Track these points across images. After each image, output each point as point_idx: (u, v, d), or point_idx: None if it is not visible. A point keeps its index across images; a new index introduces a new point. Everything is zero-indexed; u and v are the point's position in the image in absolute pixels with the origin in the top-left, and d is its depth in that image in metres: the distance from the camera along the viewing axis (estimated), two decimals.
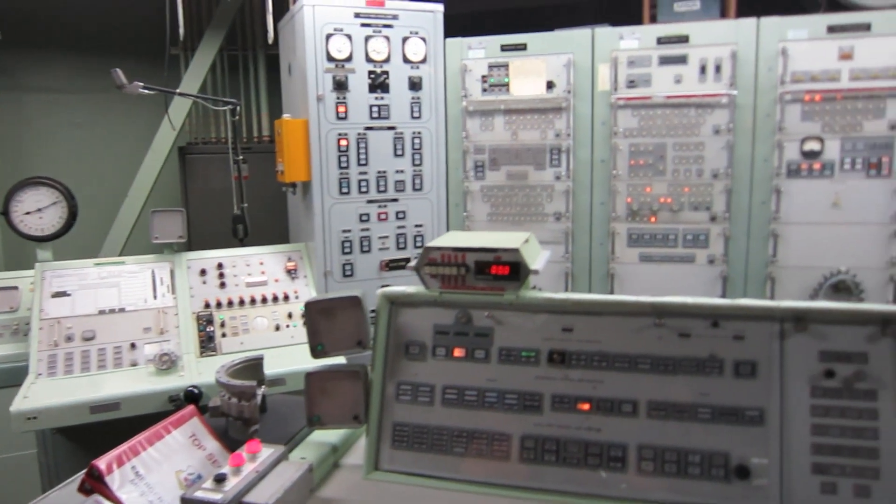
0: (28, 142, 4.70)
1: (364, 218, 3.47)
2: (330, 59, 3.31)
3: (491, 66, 3.58)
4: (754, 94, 3.28)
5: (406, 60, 3.47)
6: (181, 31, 3.70)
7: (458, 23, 3.72)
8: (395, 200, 3.53)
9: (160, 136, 4.38)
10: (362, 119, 3.41)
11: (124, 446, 1.36)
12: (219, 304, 3.08)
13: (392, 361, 1.57)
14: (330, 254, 3.41)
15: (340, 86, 3.33)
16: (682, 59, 3.35)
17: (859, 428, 1.28)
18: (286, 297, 3.19)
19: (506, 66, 3.56)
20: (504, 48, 3.56)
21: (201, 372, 2.76)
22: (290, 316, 3.13)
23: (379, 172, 3.48)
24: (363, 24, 3.36)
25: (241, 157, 3.62)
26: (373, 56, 3.39)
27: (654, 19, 3.58)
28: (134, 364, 2.79)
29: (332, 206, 3.40)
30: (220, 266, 3.21)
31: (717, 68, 3.30)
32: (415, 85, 3.50)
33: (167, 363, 2.74)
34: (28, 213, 3.09)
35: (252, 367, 1.84)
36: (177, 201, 4.64)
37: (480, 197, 3.68)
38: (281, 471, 1.39)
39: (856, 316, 1.32)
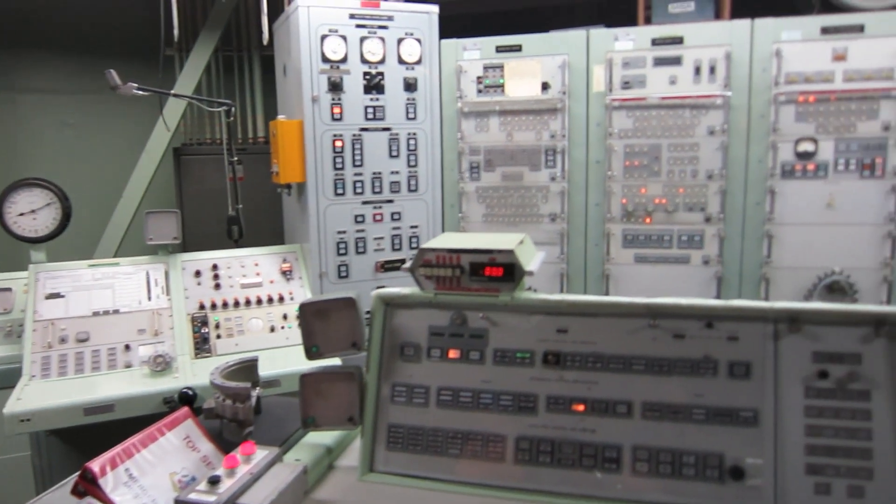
0: (22, 143, 4.68)
1: (359, 219, 3.47)
2: (325, 60, 3.30)
3: (486, 68, 3.58)
4: (748, 96, 3.29)
5: (401, 61, 3.47)
6: (176, 31, 3.69)
7: (453, 24, 3.72)
8: (390, 201, 3.53)
9: (155, 137, 4.37)
10: (357, 120, 3.41)
11: (118, 448, 1.35)
12: (213, 306, 3.07)
13: (387, 363, 1.57)
14: (325, 255, 3.41)
15: (335, 87, 3.33)
16: (676, 61, 3.36)
17: (853, 429, 1.28)
18: (281, 299, 3.19)
19: (501, 67, 3.56)
20: (499, 49, 3.56)
21: (196, 373, 2.76)
22: (285, 317, 3.12)
23: (374, 173, 3.47)
24: (358, 26, 3.36)
25: (235, 159, 3.61)
26: (368, 57, 3.39)
27: (648, 20, 3.58)
28: (128, 366, 2.78)
29: (328, 207, 3.39)
30: (214, 267, 3.20)
31: (712, 69, 3.31)
32: (410, 86, 3.50)
33: (161, 365, 2.73)
34: (22, 215, 3.08)
35: (246, 369, 1.84)
36: (171, 202, 4.63)
37: (476, 198, 3.69)
38: (275, 473, 1.39)
39: (849, 317, 1.32)
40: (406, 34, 3.46)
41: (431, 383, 1.53)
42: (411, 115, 3.53)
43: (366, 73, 3.39)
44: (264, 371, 2.08)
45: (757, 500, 1.29)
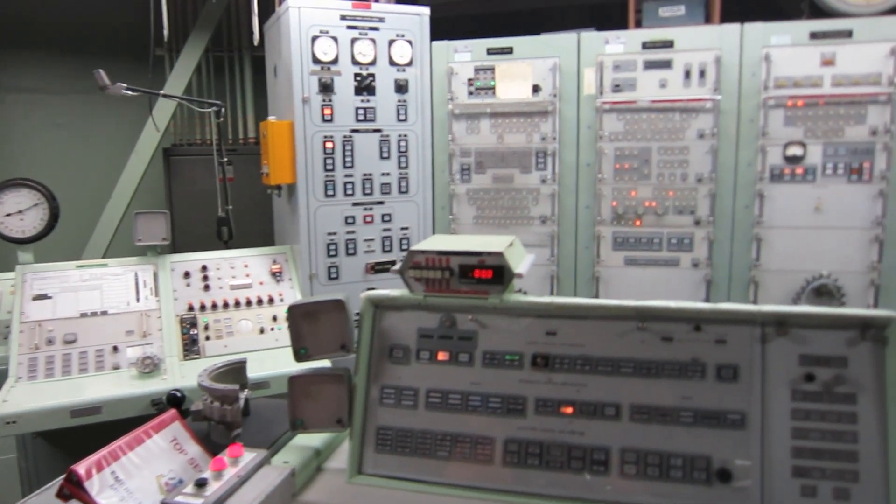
0: (9, 143, 4.65)
1: (349, 220, 3.46)
2: (316, 61, 3.30)
3: (477, 70, 3.59)
4: (738, 99, 3.31)
5: (392, 63, 3.46)
6: (165, 32, 3.68)
7: (445, 26, 3.72)
8: (380, 203, 3.53)
9: (144, 137, 4.34)
10: (348, 121, 3.40)
11: (104, 451, 1.34)
12: (203, 307, 3.06)
13: (376, 365, 1.56)
14: (315, 256, 3.40)
15: (326, 88, 3.32)
16: (666, 64, 3.37)
17: (839, 431, 1.29)
18: (271, 300, 3.18)
19: (492, 69, 3.57)
20: (490, 52, 3.57)
21: (185, 375, 2.74)
22: (274, 319, 3.11)
23: (365, 175, 3.47)
24: (349, 27, 3.35)
25: (225, 159, 3.60)
26: (359, 58, 3.38)
27: (639, 24, 3.60)
28: (116, 367, 2.76)
29: (318, 208, 3.38)
30: (204, 268, 3.19)
31: (702, 73, 3.33)
32: (401, 88, 3.50)
33: (150, 366, 2.71)
34: (9, 215, 3.06)
35: (235, 371, 1.83)
36: (161, 203, 4.60)
37: (466, 200, 3.69)
38: (263, 475, 1.39)
39: (835, 320, 1.33)
40: (397, 36, 3.46)
41: (420, 385, 1.53)
42: (402, 117, 3.52)
43: (357, 75, 3.39)
44: (253, 373, 2.07)
45: (744, 502, 1.30)
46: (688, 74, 3.34)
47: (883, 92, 3.13)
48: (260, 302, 3.15)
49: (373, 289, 1.62)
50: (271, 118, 3.45)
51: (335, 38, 3.32)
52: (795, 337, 1.35)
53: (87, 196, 4.52)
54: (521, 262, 1.59)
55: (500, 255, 1.50)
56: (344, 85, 3.37)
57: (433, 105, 3.63)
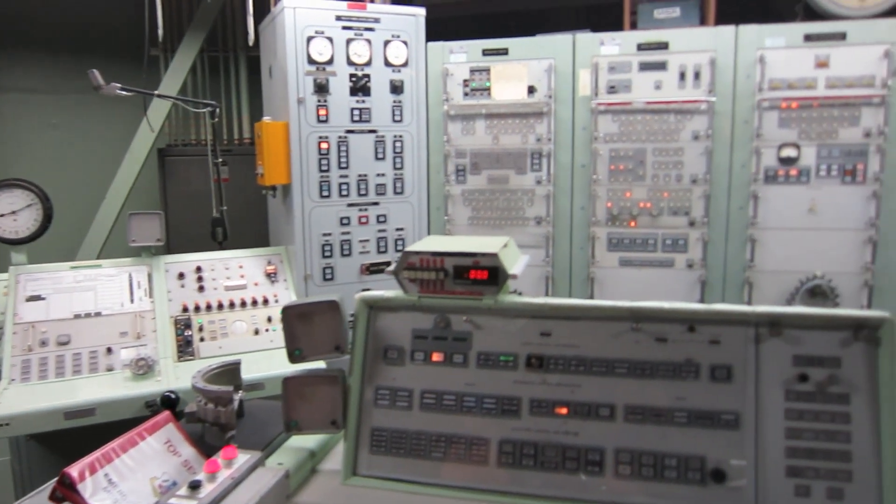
0: (2, 143, 4.63)
1: (344, 221, 3.46)
2: (311, 61, 3.29)
3: (472, 71, 3.59)
4: (732, 101, 3.32)
5: (388, 64, 3.46)
6: (160, 32, 3.67)
7: (440, 27, 3.72)
8: (375, 204, 3.52)
9: (139, 137, 4.33)
10: (343, 122, 3.40)
11: (97, 453, 1.34)
12: (197, 308, 3.05)
13: (370, 366, 1.56)
14: (310, 257, 3.39)
15: (321, 88, 3.32)
16: (661, 66, 3.38)
17: (832, 431, 1.30)
18: (266, 301, 3.17)
19: (487, 70, 3.57)
20: (486, 53, 3.57)
21: (179, 377, 2.73)
22: (269, 320, 3.11)
23: (360, 176, 3.47)
24: (344, 27, 3.35)
25: (220, 160, 3.59)
26: (354, 59, 3.38)
27: (634, 26, 3.60)
28: (110, 369, 2.75)
29: (313, 209, 3.38)
30: (198, 269, 3.18)
31: (697, 75, 3.33)
32: (396, 88, 3.49)
33: (144, 368, 2.70)
34: (2, 216, 3.04)
35: (229, 372, 1.83)
36: (156, 204, 4.59)
37: (461, 201, 3.69)
38: (257, 477, 1.38)
39: (829, 321, 1.34)
40: (393, 36, 3.45)
41: (415, 386, 1.53)
42: (397, 118, 3.52)
43: (352, 76, 3.39)
44: (248, 374, 2.06)
45: (738, 502, 1.30)
46: (682, 76, 3.35)
47: (876, 94, 3.15)
48: (255, 303, 3.15)
49: (368, 290, 1.62)
50: (266, 119, 3.45)
51: (330, 39, 3.32)
52: (789, 337, 1.35)
53: (81, 197, 4.50)
54: (516, 262, 1.59)
55: (494, 256, 1.50)
56: (339, 85, 3.37)
57: (428, 106, 3.63)
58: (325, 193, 3.39)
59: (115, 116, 4.65)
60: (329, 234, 3.43)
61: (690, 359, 1.39)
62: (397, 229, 3.59)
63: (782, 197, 3.30)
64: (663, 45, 3.37)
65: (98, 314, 2.90)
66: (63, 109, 4.74)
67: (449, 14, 4.31)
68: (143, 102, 3.88)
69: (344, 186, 3.43)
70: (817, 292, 3.26)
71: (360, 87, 3.41)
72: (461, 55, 3.59)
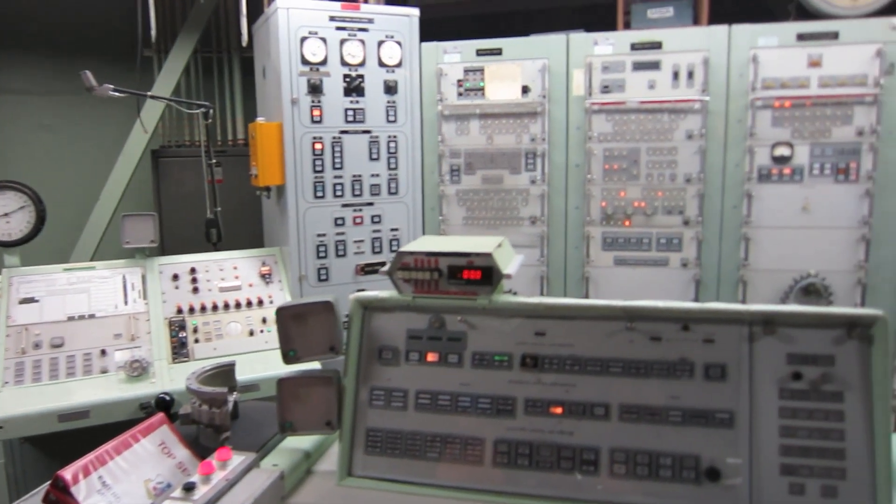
0: None
1: (339, 222, 3.45)
2: (304, 62, 3.29)
3: (466, 71, 3.59)
4: (726, 100, 3.33)
5: (381, 64, 3.46)
6: (153, 32, 3.66)
7: (434, 27, 3.72)
8: (370, 204, 3.52)
9: (132, 139, 4.32)
10: (337, 122, 3.39)
11: (90, 456, 1.33)
12: (191, 310, 3.04)
13: (365, 366, 1.56)
14: (305, 258, 3.39)
15: (315, 89, 3.31)
16: (655, 65, 3.38)
17: (826, 429, 1.30)
18: (260, 302, 3.16)
19: (481, 70, 3.57)
20: (479, 53, 3.57)
21: (173, 378, 2.73)
22: (264, 321, 3.10)
23: (354, 176, 3.46)
24: (338, 28, 3.35)
25: (214, 161, 3.58)
26: (348, 59, 3.38)
27: (627, 25, 3.61)
28: (104, 371, 2.74)
29: (307, 210, 3.37)
30: (192, 271, 3.17)
31: (690, 74, 3.34)
32: (390, 89, 3.49)
33: (138, 370, 2.70)
34: None
35: (223, 374, 1.82)
36: (149, 205, 4.57)
37: (456, 201, 3.69)
38: (251, 479, 1.38)
39: (822, 319, 1.34)
40: (386, 37, 3.45)
41: (410, 387, 1.53)
42: (391, 118, 3.52)
43: (346, 76, 3.38)
44: (243, 375, 2.06)
45: (732, 500, 1.30)
46: (676, 75, 3.36)
47: (869, 93, 3.16)
48: (249, 304, 3.14)
49: (363, 290, 1.62)
50: (260, 119, 3.44)
51: (324, 39, 3.31)
52: (782, 336, 1.35)
53: (74, 198, 4.49)
54: (510, 262, 1.59)
55: (488, 255, 1.50)
56: (333, 86, 3.36)
57: (422, 106, 3.62)
58: (319, 194, 3.39)
59: (108, 118, 4.63)
60: (324, 235, 3.42)
61: (685, 357, 1.39)
62: (392, 229, 3.59)
63: (776, 196, 3.31)
64: (657, 45, 3.37)
65: (92, 316, 2.88)
66: (56, 111, 4.72)
67: (443, 14, 4.31)
68: (136, 103, 3.86)
69: (338, 187, 3.43)
70: (811, 291, 3.27)
71: (353, 87, 3.40)
72: (455, 55, 3.59)
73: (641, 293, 3.44)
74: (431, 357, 1.53)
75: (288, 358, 1.56)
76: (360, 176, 3.47)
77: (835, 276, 3.28)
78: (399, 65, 3.50)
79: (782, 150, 3.28)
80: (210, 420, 1.63)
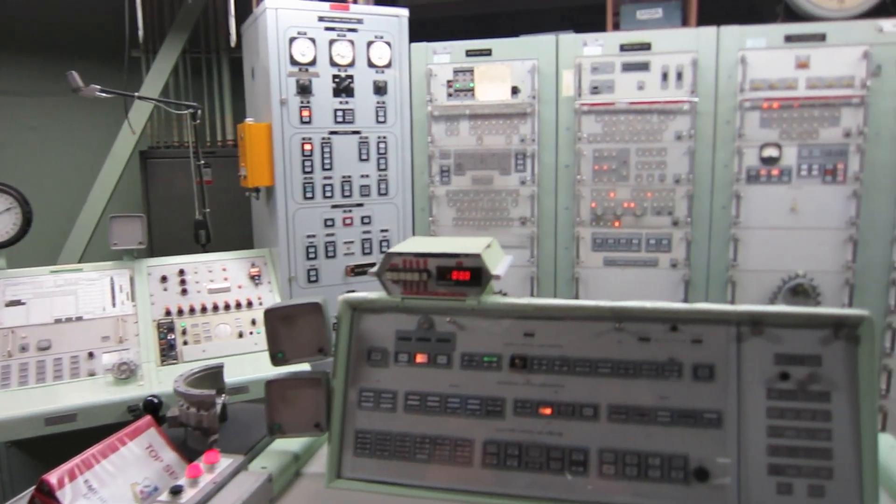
0: None
1: (329, 223, 3.44)
2: (293, 62, 3.28)
3: (456, 71, 3.59)
4: (714, 102, 3.34)
5: (371, 65, 3.45)
6: (141, 33, 3.64)
7: (424, 28, 3.72)
8: (360, 205, 3.51)
9: (120, 140, 4.29)
10: (327, 123, 3.39)
11: (76, 459, 1.32)
12: (180, 312, 3.02)
13: (354, 368, 1.55)
14: (294, 259, 3.38)
15: (304, 90, 3.30)
16: (644, 66, 3.40)
17: (813, 429, 1.31)
18: (249, 304, 3.15)
19: (471, 71, 3.57)
20: (469, 53, 3.57)
21: (162, 381, 2.71)
22: (253, 322, 3.09)
23: (344, 177, 3.45)
24: (327, 28, 3.34)
25: (203, 162, 3.56)
26: (337, 60, 3.37)
27: (617, 27, 3.62)
28: (92, 374, 2.72)
29: (297, 211, 3.36)
30: (181, 272, 3.15)
31: (679, 75, 3.35)
32: (380, 89, 3.49)
33: (126, 372, 2.68)
34: None
35: (212, 376, 1.81)
36: (138, 207, 4.55)
37: (446, 201, 3.69)
38: (239, 481, 1.37)
39: (809, 319, 1.34)
40: (376, 37, 3.45)
41: (399, 388, 1.52)
42: (381, 119, 3.51)
43: (335, 76, 3.38)
44: (232, 377, 2.05)
45: (721, 500, 1.31)
46: (665, 77, 3.37)
47: (856, 94, 3.18)
48: (238, 306, 3.13)
49: (353, 291, 1.61)
50: (249, 120, 3.43)
51: (313, 40, 3.30)
52: (770, 336, 1.36)
53: (61, 200, 4.45)
54: (499, 263, 1.59)
55: (477, 256, 1.50)
56: (322, 86, 3.35)
57: (412, 107, 3.62)
58: (308, 195, 3.38)
59: (95, 119, 4.60)
60: (313, 236, 3.41)
61: (673, 358, 1.40)
62: (382, 230, 3.58)
63: (764, 196, 3.32)
64: (646, 46, 3.39)
65: (79, 318, 2.86)
66: (42, 112, 4.68)
67: (432, 15, 4.31)
68: (124, 104, 3.83)
69: (328, 188, 3.42)
70: (799, 291, 3.29)
71: (343, 87, 3.40)
72: (445, 56, 3.59)
73: (631, 294, 3.45)
74: (420, 358, 1.53)
75: (276, 360, 1.55)
76: (349, 177, 3.47)
77: (823, 276, 3.30)
78: (388, 65, 3.49)
79: (770, 152, 3.30)
80: (198, 423, 1.62)
